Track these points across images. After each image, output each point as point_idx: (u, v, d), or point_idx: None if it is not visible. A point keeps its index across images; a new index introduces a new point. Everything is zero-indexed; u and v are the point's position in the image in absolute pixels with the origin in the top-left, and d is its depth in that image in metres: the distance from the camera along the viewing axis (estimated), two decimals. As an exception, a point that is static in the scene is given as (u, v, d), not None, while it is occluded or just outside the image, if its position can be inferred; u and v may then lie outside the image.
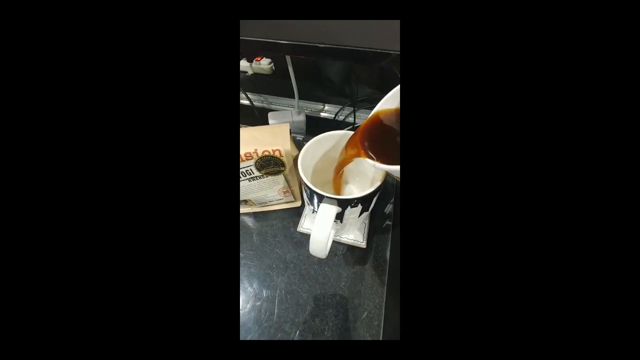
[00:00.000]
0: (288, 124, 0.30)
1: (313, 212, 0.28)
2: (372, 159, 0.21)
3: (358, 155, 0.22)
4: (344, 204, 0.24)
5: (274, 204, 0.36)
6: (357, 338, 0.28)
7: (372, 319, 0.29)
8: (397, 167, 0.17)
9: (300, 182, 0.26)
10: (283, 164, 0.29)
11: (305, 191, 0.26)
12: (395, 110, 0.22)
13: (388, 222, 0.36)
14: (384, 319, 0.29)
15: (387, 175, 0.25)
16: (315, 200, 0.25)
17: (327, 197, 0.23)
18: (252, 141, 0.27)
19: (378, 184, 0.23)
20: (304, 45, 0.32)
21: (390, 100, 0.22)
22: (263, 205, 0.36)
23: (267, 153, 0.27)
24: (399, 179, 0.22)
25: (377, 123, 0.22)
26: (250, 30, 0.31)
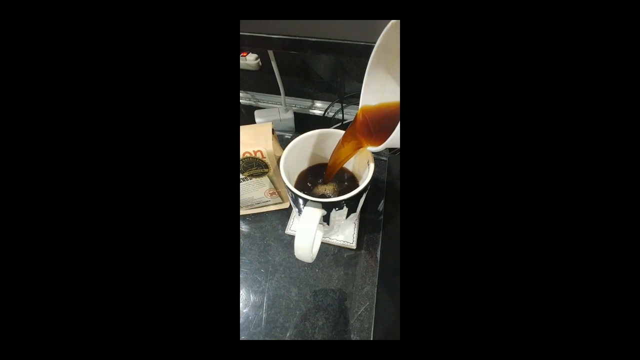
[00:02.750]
0: (271, 123, 0.28)
1: (299, 214, 0.27)
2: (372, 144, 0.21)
3: (360, 146, 0.23)
4: (328, 206, 0.23)
5: (262, 206, 0.35)
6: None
7: (362, 322, 0.28)
8: (396, 133, 0.16)
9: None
10: (266, 165, 0.27)
11: (289, 194, 0.25)
12: (378, 107, 0.22)
13: (379, 222, 0.35)
14: (375, 321, 0.28)
15: (376, 159, 0.25)
16: (300, 203, 0.24)
17: (310, 200, 0.22)
18: (233, 142, 0.26)
19: (362, 185, 0.23)
20: (292, 39, 0.30)
21: (368, 95, 0.22)
22: (250, 207, 0.35)
23: (248, 154, 0.26)
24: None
25: (366, 117, 0.23)
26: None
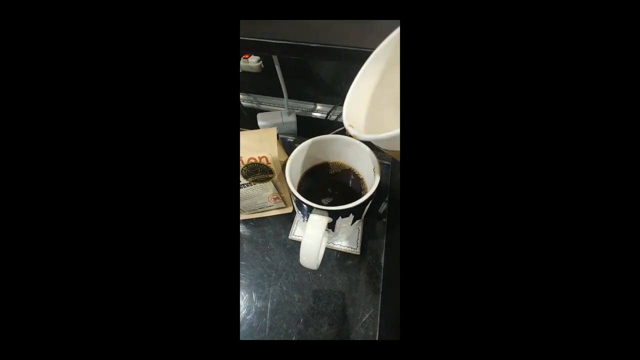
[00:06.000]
0: (275, 129, 0.28)
1: (304, 220, 0.27)
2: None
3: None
4: (334, 214, 0.23)
5: (265, 211, 0.35)
6: (352, 348, 0.27)
7: (367, 329, 0.28)
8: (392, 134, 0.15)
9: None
10: (271, 171, 0.27)
11: (295, 201, 0.25)
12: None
13: (383, 227, 0.35)
14: (379, 328, 0.28)
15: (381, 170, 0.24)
16: (305, 210, 0.24)
17: (316, 207, 0.22)
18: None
19: (370, 192, 0.22)
20: (294, 44, 0.30)
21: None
22: (253, 212, 0.35)
23: (253, 160, 0.26)
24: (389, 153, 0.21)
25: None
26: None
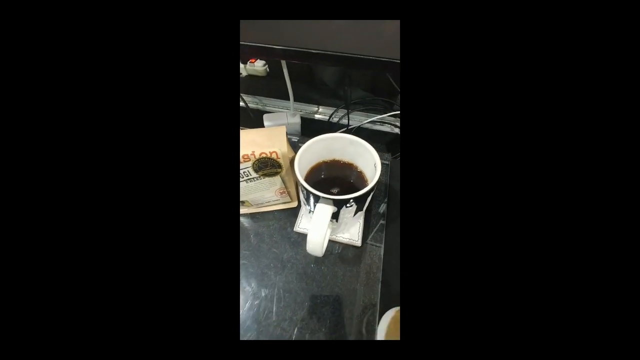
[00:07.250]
0: (284, 127, 0.30)
1: (309, 212, 0.29)
2: None
3: None
4: (339, 203, 0.25)
5: (271, 205, 0.37)
6: (353, 335, 0.29)
7: (368, 316, 0.30)
8: None
9: (297, 183, 0.27)
10: (280, 166, 0.29)
11: (302, 192, 0.27)
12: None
13: (382, 222, 0.37)
14: (379, 316, 0.30)
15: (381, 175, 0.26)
16: (312, 201, 0.26)
17: (323, 197, 0.24)
18: (250, 143, 0.28)
19: (371, 184, 0.25)
20: (297, 50, 0.32)
21: None
22: (260, 206, 0.36)
23: (264, 155, 0.28)
24: None
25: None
26: (245, 35, 0.31)
